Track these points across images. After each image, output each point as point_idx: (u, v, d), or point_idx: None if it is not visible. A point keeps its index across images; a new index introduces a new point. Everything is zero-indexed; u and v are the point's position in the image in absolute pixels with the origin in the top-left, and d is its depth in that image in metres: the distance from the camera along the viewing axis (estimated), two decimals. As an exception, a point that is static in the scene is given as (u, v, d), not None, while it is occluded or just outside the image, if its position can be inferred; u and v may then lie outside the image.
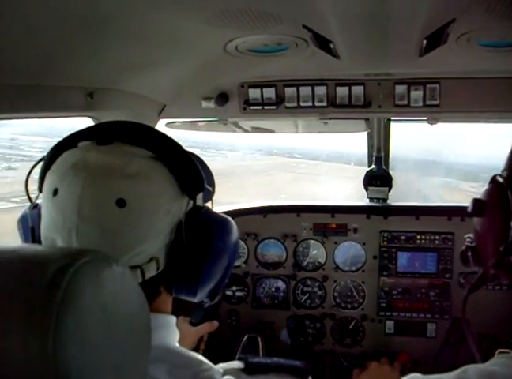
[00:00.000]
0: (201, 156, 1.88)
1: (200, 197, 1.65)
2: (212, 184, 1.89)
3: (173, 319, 1.68)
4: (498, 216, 1.20)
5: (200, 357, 1.61)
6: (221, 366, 1.64)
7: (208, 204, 1.77)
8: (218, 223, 1.63)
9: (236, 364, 1.67)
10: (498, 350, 2.77)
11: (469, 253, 1.43)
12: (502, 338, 3.52)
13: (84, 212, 1.39)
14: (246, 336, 3.36)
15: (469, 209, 1.35)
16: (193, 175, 1.58)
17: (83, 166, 1.43)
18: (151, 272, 1.48)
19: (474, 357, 1.56)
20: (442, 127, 3.32)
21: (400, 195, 4.34)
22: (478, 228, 1.35)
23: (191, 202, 1.59)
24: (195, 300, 1.66)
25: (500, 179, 1.23)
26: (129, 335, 1.15)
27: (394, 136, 3.96)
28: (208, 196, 1.80)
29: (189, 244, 1.53)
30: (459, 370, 1.20)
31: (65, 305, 0.96)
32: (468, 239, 1.50)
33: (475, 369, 1.17)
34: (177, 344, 1.65)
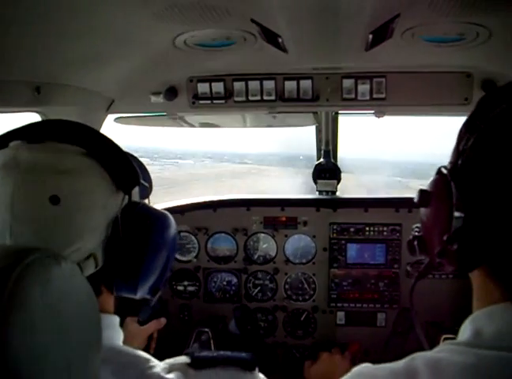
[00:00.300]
0: (150, 166, 1.87)
1: (136, 192, 1.64)
2: (149, 180, 1.88)
3: (116, 319, 1.67)
4: (442, 206, 1.23)
5: (145, 355, 1.60)
6: (167, 362, 1.64)
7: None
8: (155, 217, 1.63)
9: (183, 359, 1.67)
10: (444, 337, 2.84)
11: (415, 243, 1.46)
12: (447, 324, 3.61)
13: (17, 211, 1.37)
14: (196, 331, 3.35)
15: (415, 200, 1.38)
16: (126, 170, 1.58)
17: (14, 165, 1.41)
18: (89, 269, 1.47)
19: (422, 344, 1.59)
20: (388, 126, 3.41)
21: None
22: (424, 218, 1.38)
23: (127, 197, 1.59)
24: (136, 297, 1.65)
25: (444, 170, 1.25)
26: (79, 334, 1.13)
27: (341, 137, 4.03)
28: (145, 192, 1.80)
29: (126, 239, 1.53)
30: (407, 358, 1.23)
31: (12, 304, 0.94)
32: (416, 229, 1.54)
33: (422, 356, 1.19)
34: (121, 344, 1.64)
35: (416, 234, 1.50)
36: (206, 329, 3.26)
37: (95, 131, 1.61)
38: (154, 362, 1.58)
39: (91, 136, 1.57)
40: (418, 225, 1.51)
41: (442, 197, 1.23)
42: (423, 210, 1.39)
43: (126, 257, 1.53)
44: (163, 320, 2.90)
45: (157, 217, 1.64)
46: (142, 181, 1.66)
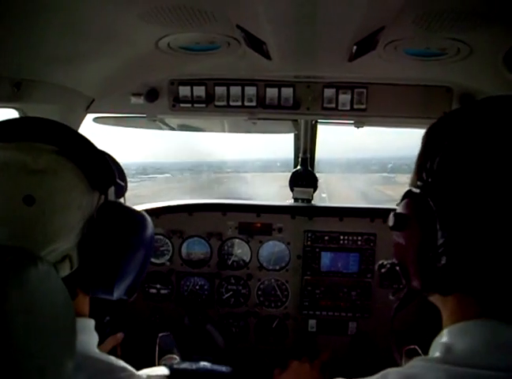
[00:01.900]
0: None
1: (112, 192, 1.62)
2: (124, 179, 1.86)
3: (91, 322, 1.64)
4: (422, 228, 1.21)
5: (121, 363, 1.58)
6: (145, 372, 1.62)
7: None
8: (131, 217, 1.61)
9: (161, 370, 1.65)
10: (406, 348, 2.85)
11: (398, 268, 1.43)
12: (413, 334, 3.64)
13: None
14: (159, 337, 3.32)
15: (390, 224, 1.35)
16: (102, 169, 1.56)
17: None
18: (65, 270, 1.44)
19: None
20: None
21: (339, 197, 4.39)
22: (402, 242, 1.35)
23: (103, 197, 1.57)
24: (113, 298, 1.62)
25: (416, 190, 1.24)
26: (54, 337, 1.12)
27: (323, 139, 4.03)
28: (121, 191, 1.78)
29: (102, 240, 1.50)
30: (380, 374, 1.23)
31: None
32: (384, 262, 1.52)
33: (395, 373, 1.19)
34: (96, 349, 1.61)
35: (388, 264, 1.48)
36: (167, 333, 3.23)
37: (70, 129, 1.58)
38: (130, 371, 1.55)
39: (66, 134, 1.54)
40: (383, 261, 1.49)
41: (420, 217, 1.21)
42: (398, 234, 1.36)
43: (103, 257, 1.51)
44: (120, 335, 2.83)
45: (134, 217, 1.62)
46: (118, 181, 1.64)
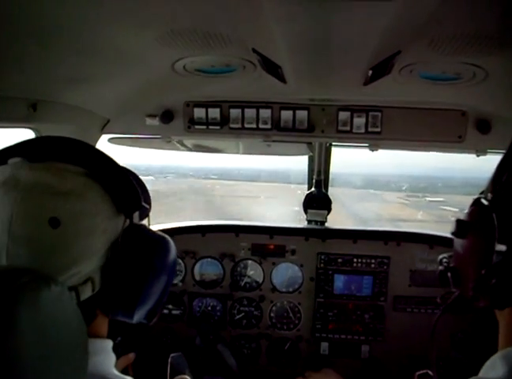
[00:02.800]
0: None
1: (136, 214, 1.61)
2: (148, 201, 1.86)
3: (109, 343, 1.63)
4: (481, 239, 1.21)
5: None
6: None
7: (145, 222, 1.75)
8: (156, 241, 1.60)
9: None
10: (417, 373, 2.81)
11: (449, 274, 1.43)
12: (430, 358, 3.61)
13: (15, 232, 1.32)
14: (170, 357, 3.31)
15: (452, 230, 1.35)
16: (129, 193, 1.55)
17: (13, 184, 1.37)
18: (86, 293, 1.43)
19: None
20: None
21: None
22: (459, 249, 1.35)
23: (128, 220, 1.56)
24: (133, 321, 1.62)
25: (485, 202, 1.24)
26: (66, 358, 1.11)
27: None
28: (145, 213, 1.77)
29: (126, 263, 1.50)
30: None
31: (1, 327, 0.93)
32: (444, 260, 1.51)
33: None
34: (114, 370, 1.59)
35: (447, 264, 1.47)
36: (179, 353, 3.22)
37: (97, 151, 1.57)
38: None
39: (93, 156, 1.53)
40: (445, 255, 1.49)
41: (482, 229, 1.21)
42: (458, 241, 1.36)
43: (126, 281, 1.50)
44: (131, 356, 2.83)
45: (158, 241, 1.61)
46: (143, 204, 1.63)
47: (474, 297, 1.29)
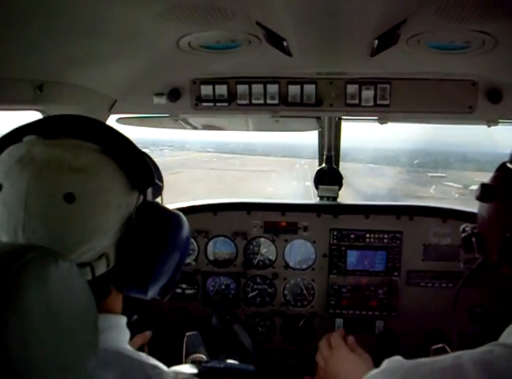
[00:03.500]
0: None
1: (150, 192, 1.63)
2: (161, 179, 1.86)
3: (123, 319, 1.64)
4: (507, 203, 1.20)
5: (152, 360, 1.57)
6: (174, 370, 1.62)
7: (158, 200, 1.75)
8: (169, 218, 1.61)
9: (189, 368, 1.65)
10: (433, 347, 2.79)
11: (473, 239, 1.42)
12: (445, 333, 3.61)
13: (31, 207, 1.34)
14: (186, 336, 3.33)
15: (477, 194, 1.34)
16: (143, 170, 1.56)
17: (29, 160, 1.38)
18: (101, 269, 1.44)
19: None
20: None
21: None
22: (483, 214, 1.35)
23: (141, 197, 1.57)
24: (147, 297, 1.62)
25: (510, 166, 1.23)
26: (76, 333, 1.12)
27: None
28: (158, 191, 1.77)
29: (140, 240, 1.50)
30: (453, 355, 1.21)
31: (9, 304, 0.93)
32: (467, 228, 1.50)
33: (470, 356, 1.17)
34: (128, 346, 1.61)
35: (471, 231, 1.46)
36: (195, 332, 3.24)
37: (111, 128, 1.58)
38: (161, 368, 1.55)
39: (107, 133, 1.54)
40: (467, 224, 1.48)
41: (507, 193, 1.21)
42: (483, 205, 1.36)
43: (140, 257, 1.51)
44: (148, 334, 2.84)
45: (172, 217, 1.62)
46: (156, 181, 1.64)
47: (498, 262, 1.28)
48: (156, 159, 1.82)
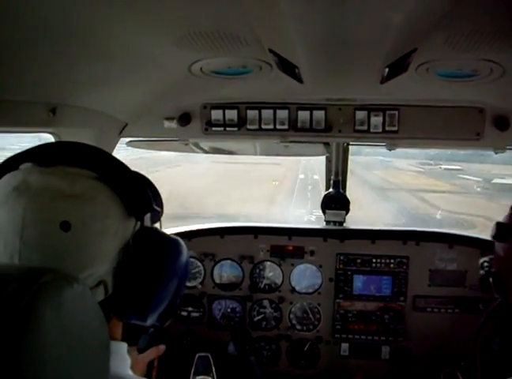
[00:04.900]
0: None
1: (148, 217, 1.62)
2: (161, 204, 1.86)
3: (124, 346, 1.64)
4: None
5: None
6: None
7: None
8: (167, 244, 1.60)
9: None
10: (445, 371, 2.78)
11: (491, 280, 1.38)
12: (450, 358, 3.60)
13: (27, 236, 1.33)
14: (197, 356, 3.32)
15: (492, 233, 1.31)
16: (139, 196, 1.55)
17: (25, 188, 1.38)
18: (99, 296, 1.44)
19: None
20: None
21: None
22: (501, 253, 1.31)
23: (139, 223, 1.56)
24: (146, 324, 1.63)
25: None
26: (89, 357, 1.12)
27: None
28: (157, 216, 1.77)
29: (137, 266, 1.50)
30: None
31: (25, 327, 0.93)
32: (485, 264, 1.47)
33: None
34: (129, 371, 1.61)
35: (488, 269, 1.42)
36: (207, 354, 3.23)
37: (107, 154, 1.57)
38: None
39: (103, 159, 1.54)
40: (486, 259, 1.44)
41: None
42: (500, 245, 1.31)
43: (138, 284, 1.51)
44: (162, 347, 2.84)
45: (170, 243, 1.61)
46: (154, 207, 1.63)
47: None
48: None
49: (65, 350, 1.03)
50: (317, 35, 1.70)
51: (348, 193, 4.12)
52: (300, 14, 1.43)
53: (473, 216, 18.57)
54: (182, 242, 1.68)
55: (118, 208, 1.47)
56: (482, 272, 1.46)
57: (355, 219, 4.32)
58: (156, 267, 1.54)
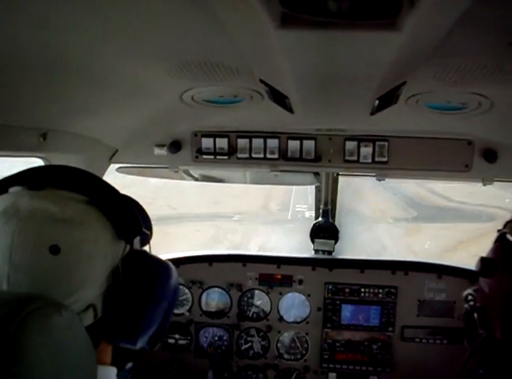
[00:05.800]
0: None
1: (137, 240, 1.61)
2: (150, 227, 1.86)
3: (113, 371, 1.62)
4: (508, 277, 1.15)
5: None
6: None
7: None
8: (156, 267, 1.60)
9: None
10: None
11: (475, 315, 1.36)
12: None
13: (16, 260, 1.32)
14: None
15: (477, 268, 1.28)
16: (129, 220, 1.55)
17: (14, 212, 1.37)
18: (88, 320, 1.43)
19: None
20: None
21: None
22: (486, 289, 1.28)
23: (128, 246, 1.56)
24: (136, 348, 1.61)
25: (510, 237, 1.18)
26: None
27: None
28: (146, 239, 1.77)
29: (127, 290, 1.49)
30: None
31: (13, 355, 0.93)
32: (469, 297, 1.45)
33: None
34: None
35: (473, 304, 1.40)
36: None
37: (97, 178, 1.58)
38: None
39: (93, 183, 1.54)
40: (470, 292, 1.42)
41: (510, 267, 1.15)
42: (484, 280, 1.29)
43: (128, 308, 1.50)
44: None
45: (159, 266, 1.61)
46: (144, 230, 1.63)
47: (504, 339, 1.22)
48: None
49: (52, 377, 1.02)
50: (308, 69, 1.71)
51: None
52: (292, 49, 1.44)
53: (490, 207, 18.13)
54: (171, 264, 1.67)
55: (108, 231, 1.47)
56: (466, 305, 1.44)
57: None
58: (145, 290, 1.53)
